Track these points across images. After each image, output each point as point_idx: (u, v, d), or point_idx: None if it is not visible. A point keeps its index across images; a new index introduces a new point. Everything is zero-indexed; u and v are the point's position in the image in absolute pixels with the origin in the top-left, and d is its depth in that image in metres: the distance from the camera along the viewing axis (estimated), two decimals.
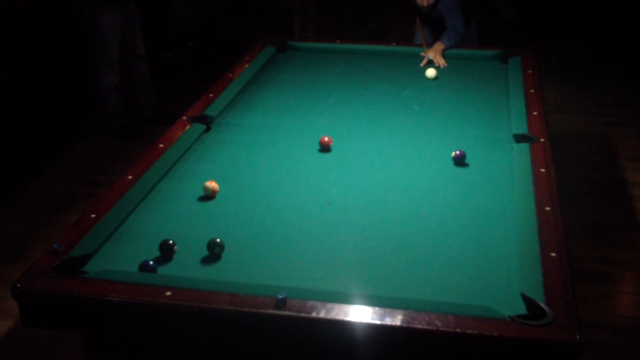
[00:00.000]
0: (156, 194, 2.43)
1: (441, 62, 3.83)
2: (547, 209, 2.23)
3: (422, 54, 3.90)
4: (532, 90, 3.27)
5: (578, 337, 1.65)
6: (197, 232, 2.19)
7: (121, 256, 2.06)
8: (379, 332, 1.72)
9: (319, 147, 2.80)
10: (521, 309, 1.77)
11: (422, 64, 3.83)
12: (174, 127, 2.89)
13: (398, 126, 3.05)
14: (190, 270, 2.01)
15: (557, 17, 6.42)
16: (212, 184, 2.43)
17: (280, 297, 1.76)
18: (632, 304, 3.24)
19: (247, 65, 3.65)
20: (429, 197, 2.45)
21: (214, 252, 2.07)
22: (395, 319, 1.72)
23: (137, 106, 5.06)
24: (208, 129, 2.97)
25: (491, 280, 1.96)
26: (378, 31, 6.95)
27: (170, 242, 2.07)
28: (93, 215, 2.20)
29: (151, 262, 1.99)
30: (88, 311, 1.86)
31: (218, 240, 2.07)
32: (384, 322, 1.72)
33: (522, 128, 2.85)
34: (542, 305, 1.75)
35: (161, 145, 2.71)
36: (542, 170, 2.49)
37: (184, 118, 2.97)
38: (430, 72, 3.63)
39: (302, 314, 1.74)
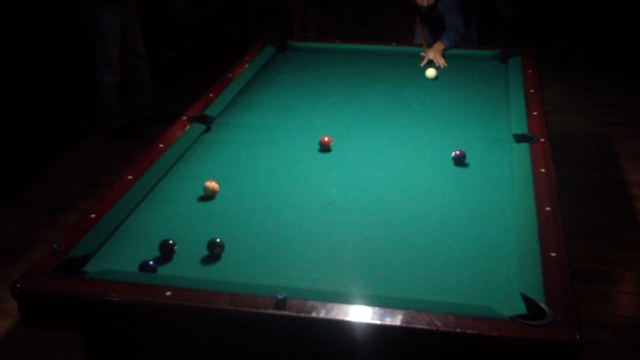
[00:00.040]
0: (156, 194, 2.43)
1: (441, 62, 3.83)
2: (547, 209, 2.23)
3: (422, 54, 3.90)
4: (532, 90, 3.27)
5: (578, 337, 1.65)
6: (197, 232, 2.19)
7: (121, 256, 2.06)
8: (379, 332, 1.72)
9: (319, 147, 2.80)
10: (521, 309, 1.77)
11: (422, 64, 3.83)
12: (174, 127, 2.89)
13: (398, 126, 3.05)
14: (190, 270, 2.01)
15: (557, 17, 6.42)
16: (212, 184, 2.43)
17: (280, 297, 1.76)
18: (632, 304, 3.24)
19: (247, 65, 3.65)
20: (429, 197, 2.45)
21: (214, 252, 2.07)
22: (395, 319, 1.72)
23: (137, 106, 5.06)
24: (208, 129, 2.97)
25: (491, 280, 1.96)
26: (378, 31, 6.95)
27: (170, 242, 2.07)
28: (93, 215, 2.20)
29: (151, 262, 1.99)
30: (88, 311, 1.86)
31: (218, 240, 2.07)
32: (384, 322, 1.72)
33: (522, 128, 2.85)
34: (542, 305, 1.75)
35: (161, 145, 2.71)
36: (542, 170, 2.49)
37: (184, 118, 2.97)
38: (430, 72, 3.63)
39: (302, 314, 1.74)
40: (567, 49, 6.36)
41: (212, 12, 6.63)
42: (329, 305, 1.77)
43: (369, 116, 3.16)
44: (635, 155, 4.61)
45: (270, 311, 1.75)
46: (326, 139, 2.80)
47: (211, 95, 3.23)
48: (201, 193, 2.44)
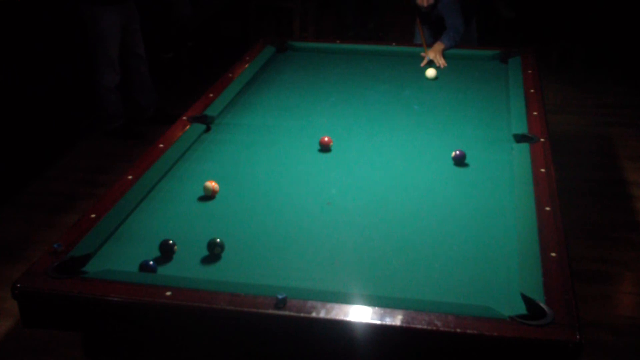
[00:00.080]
0: (156, 194, 2.43)
1: (441, 62, 3.83)
2: (547, 209, 2.23)
3: (422, 54, 3.90)
4: (532, 90, 3.27)
5: (578, 337, 1.65)
6: (197, 232, 2.19)
7: (121, 256, 2.06)
8: (379, 332, 1.72)
9: (319, 147, 2.80)
10: (521, 309, 1.77)
11: (422, 64, 3.83)
12: (174, 127, 2.89)
13: (398, 126, 3.05)
14: (190, 270, 2.01)
15: (557, 17, 6.42)
16: (212, 184, 2.43)
17: (280, 297, 1.76)
18: (632, 304, 3.24)
19: (247, 65, 3.65)
20: (429, 197, 2.45)
21: (214, 252, 2.07)
22: (395, 319, 1.72)
23: (137, 106, 5.06)
24: (208, 129, 2.97)
25: (491, 280, 1.96)
26: (378, 31, 6.95)
27: (170, 242, 2.07)
28: (93, 215, 2.20)
29: (151, 262, 1.99)
30: (88, 311, 1.86)
31: (218, 240, 2.07)
32: (384, 322, 1.72)
33: (522, 128, 2.85)
34: (542, 305, 1.75)
35: (161, 145, 2.71)
36: (542, 170, 2.49)
37: (184, 118, 2.97)
38: (430, 72, 3.63)
39: (302, 314, 1.74)
40: (567, 49, 6.36)
41: (212, 12, 6.63)
42: (329, 305, 1.77)
43: (369, 116, 3.16)
44: (635, 155, 4.61)
45: (270, 311, 1.75)
46: (326, 139, 2.80)
47: (211, 95, 3.23)
48: (201, 193, 2.44)
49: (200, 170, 2.62)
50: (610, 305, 3.19)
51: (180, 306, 1.79)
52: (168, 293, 1.82)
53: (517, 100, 3.15)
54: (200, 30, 6.57)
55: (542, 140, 2.73)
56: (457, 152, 2.67)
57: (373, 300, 1.79)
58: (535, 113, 3.00)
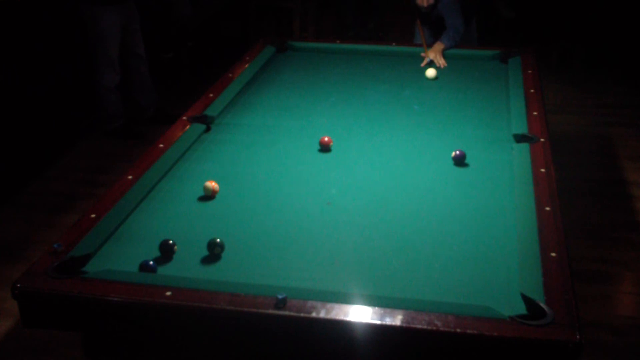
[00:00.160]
0: (156, 194, 2.43)
1: (441, 62, 3.83)
2: (547, 209, 2.23)
3: (423, 54, 3.90)
4: (532, 90, 3.27)
5: (578, 337, 1.65)
6: (197, 232, 2.19)
7: (121, 256, 2.06)
8: (379, 332, 1.72)
9: (319, 147, 2.80)
10: (521, 309, 1.77)
11: (422, 64, 3.83)
12: (174, 127, 2.89)
13: (398, 126, 3.05)
14: (190, 270, 2.01)
15: (557, 17, 6.42)
16: (212, 184, 2.43)
17: (280, 297, 1.76)
18: (632, 304, 3.24)
19: (247, 65, 3.65)
20: (429, 197, 2.45)
21: (214, 252, 2.06)
22: (395, 319, 1.72)
23: (137, 106, 5.06)
24: (208, 129, 2.97)
25: (491, 280, 1.96)
26: (378, 31, 6.95)
27: (170, 242, 2.07)
28: (93, 215, 2.20)
29: (151, 262, 1.99)
30: (88, 311, 1.86)
31: (218, 240, 2.07)
32: (384, 322, 1.72)
33: (522, 128, 2.85)
34: (542, 305, 1.75)
35: (161, 145, 2.71)
36: (542, 170, 2.49)
37: (184, 118, 2.97)
38: (430, 72, 3.63)
39: (302, 314, 1.74)
40: (567, 49, 6.36)
41: (212, 12, 6.63)
42: (329, 305, 1.77)
43: (369, 116, 3.16)
44: (635, 155, 4.61)
45: (270, 311, 1.75)
46: (326, 139, 2.80)
47: (211, 95, 3.23)
48: (201, 193, 2.44)
49: (200, 170, 2.62)
50: (610, 305, 3.19)
51: (180, 306, 1.79)
52: (168, 293, 1.82)
53: (517, 100, 3.15)
54: (200, 30, 6.57)
55: (542, 140, 2.73)
56: (457, 152, 2.67)
57: (373, 300, 1.79)
58: (535, 113, 3.00)
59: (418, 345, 1.74)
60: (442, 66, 3.81)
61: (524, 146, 2.68)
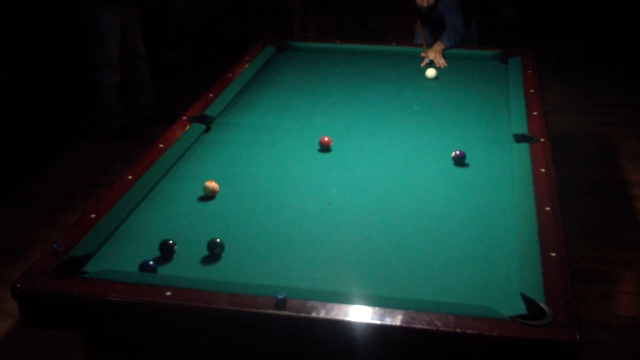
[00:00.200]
0: (156, 194, 2.43)
1: (441, 62, 3.83)
2: (547, 209, 2.23)
3: (423, 54, 3.90)
4: (532, 90, 3.27)
5: (578, 337, 1.65)
6: (197, 232, 2.19)
7: (121, 256, 2.06)
8: (379, 332, 1.72)
9: (319, 147, 2.80)
10: (521, 309, 1.77)
11: (422, 64, 3.83)
12: (174, 127, 2.89)
13: (398, 126, 3.05)
14: (190, 270, 2.01)
15: (557, 17, 6.42)
16: (212, 184, 2.43)
17: (280, 297, 1.76)
18: (632, 304, 3.24)
19: (247, 65, 3.65)
20: (429, 197, 2.45)
21: (214, 252, 2.06)
22: (395, 319, 1.72)
23: (137, 106, 5.06)
24: (208, 129, 2.97)
25: (491, 280, 1.96)
26: (378, 31, 6.94)
27: (170, 242, 2.07)
28: (93, 215, 2.20)
29: (151, 262, 1.99)
30: (88, 311, 1.86)
31: (218, 240, 2.07)
32: (384, 322, 1.72)
33: (522, 128, 2.85)
34: (542, 305, 1.75)
35: (161, 145, 2.71)
36: (542, 170, 2.49)
37: (184, 118, 2.97)
38: (430, 72, 3.63)
39: (302, 314, 1.74)
40: (567, 49, 6.36)
41: (212, 12, 6.63)
42: (329, 305, 1.77)
43: (369, 116, 3.16)
44: (635, 155, 4.61)
45: (270, 311, 1.75)
46: (326, 139, 2.80)
47: (211, 95, 3.23)
48: (201, 193, 2.44)
49: (200, 170, 2.62)
50: (610, 305, 3.19)
51: (180, 306, 1.79)
52: (168, 293, 1.82)
53: (517, 100, 3.15)
54: (200, 30, 6.57)
55: (542, 140, 2.73)
56: (457, 152, 2.67)
57: (373, 300, 1.79)
58: (535, 113, 3.00)
59: (418, 345, 1.74)
60: (442, 66, 3.81)
61: (524, 146, 2.68)
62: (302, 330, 1.77)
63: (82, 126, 5.02)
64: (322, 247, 2.14)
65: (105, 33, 4.52)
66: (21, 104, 4.42)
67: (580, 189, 4.13)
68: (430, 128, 3.03)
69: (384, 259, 2.07)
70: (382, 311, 1.75)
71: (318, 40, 5.24)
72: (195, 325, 1.83)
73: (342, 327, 1.73)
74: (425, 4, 4.07)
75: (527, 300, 1.79)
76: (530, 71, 3.55)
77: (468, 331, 1.68)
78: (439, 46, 3.90)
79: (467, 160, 2.67)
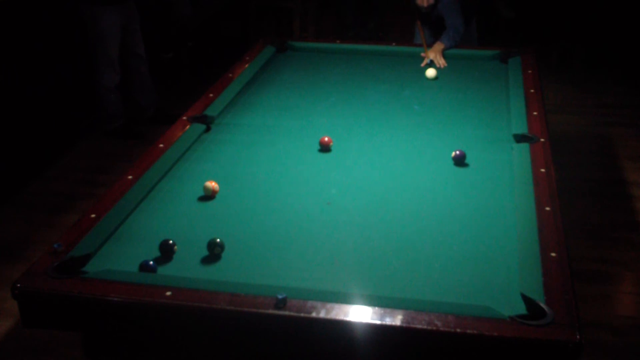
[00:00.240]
0: (156, 194, 2.43)
1: (441, 62, 3.83)
2: (547, 209, 2.23)
3: (423, 54, 3.90)
4: (532, 90, 3.27)
5: (578, 337, 1.65)
6: (197, 232, 2.19)
7: (121, 256, 2.06)
8: (379, 332, 1.72)
9: (319, 147, 2.80)
10: (521, 309, 1.77)
11: (422, 64, 3.83)
12: (174, 127, 2.89)
13: (398, 126, 3.05)
14: (190, 270, 2.01)
15: (557, 17, 6.42)
16: (212, 184, 2.43)
17: (280, 297, 1.76)
18: (632, 304, 3.24)
19: (247, 65, 3.65)
20: (429, 197, 2.45)
21: (214, 252, 2.07)
22: (395, 319, 1.72)
23: (137, 106, 5.06)
24: (208, 129, 2.97)
25: (491, 280, 1.96)
26: (378, 31, 6.95)
27: (170, 242, 2.07)
28: (93, 215, 2.20)
29: (151, 262, 1.99)
30: (88, 311, 1.86)
31: (218, 240, 2.07)
32: (384, 322, 1.72)
33: (522, 128, 2.85)
34: (542, 305, 1.75)
35: (161, 145, 2.71)
36: (542, 170, 2.49)
37: (184, 118, 2.97)
38: (430, 72, 3.63)
39: (302, 314, 1.74)
40: (567, 49, 6.36)
41: (212, 12, 6.63)
42: (329, 305, 1.77)
43: (369, 116, 3.16)
44: (635, 155, 4.61)
45: (270, 311, 1.75)
46: (326, 139, 2.80)
47: (211, 95, 3.23)
48: (201, 193, 2.44)
49: (200, 170, 2.62)
50: (610, 305, 3.19)
51: (180, 306, 1.79)
52: (168, 293, 1.82)
53: (517, 100, 3.15)
54: (200, 30, 6.57)
55: (542, 140, 2.73)
56: (457, 152, 2.67)
57: (373, 300, 1.79)
58: (535, 113, 3.00)
59: (418, 345, 1.74)
60: (442, 66, 3.81)
61: (524, 146, 2.68)
62: (302, 330, 1.77)
63: (82, 126, 5.02)
64: (322, 247, 2.14)
65: (105, 33, 4.52)
66: (21, 104, 4.42)
67: (580, 189, 4.13)
68: (430, 128, 3.03)
69: (384, 259, 2.07)
70: (382, 311, 1.75)
71: (318, 40, 5.24)
72: (195, 325, 1.83)
73: (342, 327, 1.73)
74: (425, 4, 4.07)
75: (527, 300, 1.79)
76: (530, 71, 3.55)
77: (468, 331, 1.68)
78: (439, 46, 3.90)
79: (467, 160, 2.67)
